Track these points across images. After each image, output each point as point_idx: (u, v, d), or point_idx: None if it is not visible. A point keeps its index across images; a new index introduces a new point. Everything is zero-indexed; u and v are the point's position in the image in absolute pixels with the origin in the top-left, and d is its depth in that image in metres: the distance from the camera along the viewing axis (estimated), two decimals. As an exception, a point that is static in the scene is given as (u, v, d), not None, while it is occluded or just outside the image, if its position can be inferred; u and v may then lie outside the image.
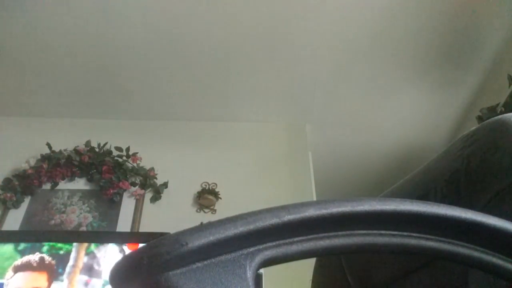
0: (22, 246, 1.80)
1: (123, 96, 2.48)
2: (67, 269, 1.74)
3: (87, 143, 2.36)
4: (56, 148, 2.34)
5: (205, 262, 0.26)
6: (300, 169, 2.43)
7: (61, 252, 1.79)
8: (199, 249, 0.25)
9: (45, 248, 1.80)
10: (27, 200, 2.22)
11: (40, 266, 1.76)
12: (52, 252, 1.79)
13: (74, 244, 1.80)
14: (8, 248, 1.79)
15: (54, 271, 1.75)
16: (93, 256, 1.79)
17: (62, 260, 1.77)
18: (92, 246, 1.81)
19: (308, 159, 2.51)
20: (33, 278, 1.74)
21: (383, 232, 0.32)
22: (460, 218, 0.32)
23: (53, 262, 1.77)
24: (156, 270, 0.25)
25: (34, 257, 1.77)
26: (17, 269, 1.75)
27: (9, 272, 1.75)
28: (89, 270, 1.75)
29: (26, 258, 1.77)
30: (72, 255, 1.78)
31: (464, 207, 0.33)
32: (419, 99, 2.49)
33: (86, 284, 1.72)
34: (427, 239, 0.33)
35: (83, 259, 1.77)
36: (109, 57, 2.23)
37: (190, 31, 2.10)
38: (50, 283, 1.73)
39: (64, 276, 1.73)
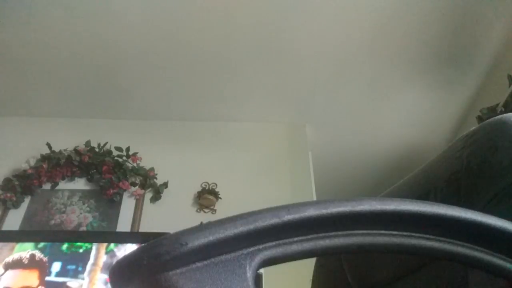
0: (42, 244, 1.81)
1: (123, 96, 2.48)
2: (88, 267, 1.76)
3: (87, 143, 2.36)
4: (56, 148, 2.34)
5: (205, 262, 0.26)
6: (300, 169, 2.43)
7: (81, 250, 1.80)
8: (199, 249, 0.25)
9: (64, 246, 1.81)
10: (27, 200, 2.22)
11: (31, 263, 1.76)
12: (71, 250, 1.81)
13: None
14: (29, 245, 1.80)
15: (45, 268, 1.75)
16: (113, 255, 1.80)
17: (82, 259, 1.78)
18: (112, 245, 1.82)
19: (308, 159, 2.50)
20: (23, 277, 1.74)
21: (383, 232, 0.32)
22: (460, 218, 0.32)
23: (45, 259, 1.77)
24: (156, 269, 0.25)
25: (25, 254, 1.78)
26: (8, 266, 1.76)
27: (0, 269, 1.75)
28: (109, 269, 1.75)
29: (17, 255, 1.78)
30: (93, 253, 1.79)
31: (464, 207, 0.33)
32: (419, 99, 2.49)
33: (106, 283, 1.73)
34: (427, 239, 0.33)
35: (103, 257, 1.79)
36: (109, 57, 2.23)
37: (189, 31, 2.09)
38: (41, 280, 1.73)
39: (85, 275, 1.75)
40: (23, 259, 1.76)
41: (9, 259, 1.76)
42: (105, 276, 1.74)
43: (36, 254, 1.78)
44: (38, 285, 1.72)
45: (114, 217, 2.15)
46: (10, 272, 1.74)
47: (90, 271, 1.75)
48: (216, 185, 2.29)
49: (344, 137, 2.76)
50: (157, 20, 2.04)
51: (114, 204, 2.19)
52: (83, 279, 1.74)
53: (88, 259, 1.77)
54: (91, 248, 1.80)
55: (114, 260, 1.77)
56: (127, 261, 0.26)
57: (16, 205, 2.17)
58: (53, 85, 2.41)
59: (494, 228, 0.32)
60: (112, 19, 2.04)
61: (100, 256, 1.79)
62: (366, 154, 2.88)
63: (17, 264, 1.76)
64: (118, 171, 2.26)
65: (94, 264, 1.76)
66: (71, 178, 2.30)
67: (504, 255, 0.33)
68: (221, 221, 0.26)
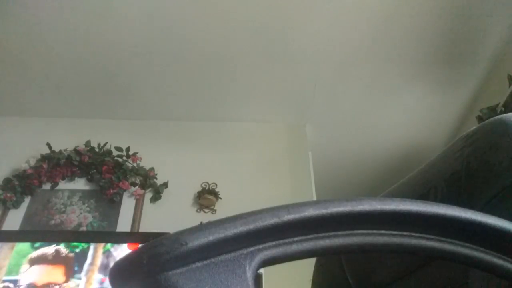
0: (39, 243, 1.81)
1: (123, 96, 2.48)
2: (85, 267, 1.76)
3: (87, 143, 2.36)
4: (56, 148, 2.34)
5: (205, 262, 0.26)
6: (300, 169, 2.43)
7: (77, 250, 1.80)
8: (199, 249, 0.25)
9: (61, 246, 1.81)
10: (27, 200, 2.22)
11: (56, 259, 1.75)
12: (68, 250, 1.81)
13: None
14: (25, 245, 1.80)
15: (71, 265, 1.75)
16: (109, 255, 1.80)
17: (79, 258, 1.78)
18: (109, 245, 1.82)
19: (308, 159, 2.50)
20: (48, 272, 1.74)
21: (383, 232, 0.32)
22: (460, 218, 0.32)
23: (71, 255, 1.77)
24: (156, 269, 0.25)
25: (50, 250, 1.77)
26: (33, 262, 1.75)
27: (25, 265, 1.75)
28: (105, 269, 1.76)
29: (41, 251, 1.77)
30: (90, 253, 1.79)
31: (464, 207, 0.33)
32: (419, 99, 2.49)
33: (101, 282, 1.73)
34: (427, 239, 0.33)
35: (100, 257, 1.78)
36: (109, 57, 2.23)
37: (189, 31, 2.10)
38: (67, 276, 1.73)
39: (82, 274, 1.74)
40: (47, 254, 1.76)
41: (33, 254, 1.77)
42: (100, 276, 1.74)
43: (61, 249, 1.78)
44: (64, 282, 1.71)
45: (114, 217, 2.15)
46: (35, 267, 1.74)
47: (88, 271, 1.75)
48: (216, 185, 2.29)
49: (344, 137, 2.76)
50: (157, 20, 2.04)
51: (114, 204, 2.19)
52: (80, 278, 1.74)
53: (85, 259, 1.77)
54: (88, 248, 1.80)
55: (110, 260, 1.77)
56: (127, 261, 0.26)
57: (16, 205, 2.17)
58: (53, 85, 2.41)
59: (494, 228, 0.32)
60: (112, 19, 2.04)
61: (97, 256, 1.79)
62: (366, 154, 2.88)
63: (41, 260, 1.75)
64: (118, 171, 2.26)
65: (92, 264, 1.76)
66: (71, 178, 2.30)
67: (504, 255, 0.33)
68: (221, 221, 0.26)
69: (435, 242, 0.33)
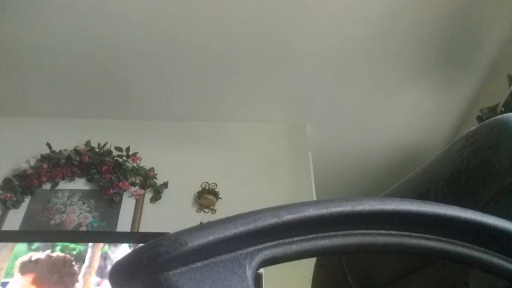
0: (35, 245, 1.80)
1: (123, 96, 2.47)
2: (83, 270, 1.75)
3: (87, 143, 2.36)
4: (56, 148, 2.34)
5: (205, 262, 0.26)
6: (300, 169, 2.43)
7: (74, 252, 1.79)
8: (199, 249, 0.25)
9: (58, 248, 1.80)
10: (27, 200, 2.22)
11: (49, 267, 1.74)
12: (65, 252, 1.79)
13: (90, 244, 1.80)
14: (22, 247, 1.79)
15: (74, 270, 1.73)
16: (106, 257, 1.79)
17: (77, 261, 1.77)
18: (106, 247, 1.81)
19: (308, 159, 2.50)
20: (38, 280, 1.72)
21: (383, 232, 0.32)
22: (460, 218, 0.32)
23: (69, 257, 1.75)
24: (156, 269, 0.25)
25: (42, 256, 1.76)
26: (23, 269, 1.73)
27: (16, 272, 1.72)
28: (101, 272, 1.75)
29: (34, 257, 1.75)
30: (88, 256, 1.77)
31: (464, 207, 0.33)
32: (419, 99, 2.49)
33: (98, 285, 1.73)
34: (427, 239, 0.33)
35: (98, 260, 1.77)
36: (109, 57, 2.23)
37: (189, 31, 2.09)
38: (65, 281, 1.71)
39: (80, 277, 1.73)
40: (38, 262, 1.74)
41: (25, 261, 1.74)
42: (97, 279, 1.74)
43: (52, 254, 1.76)
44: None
45: (114, 217, 2.15)
46: (22, 277, 1.72)
47: (85, 274, 1.73)
48: (216, 185, 2.29)
49: (344, 137, 2.76)
50: (157, 20, 2.04)
51: (114, 204, 2.19)
52: (78, 281, 1.73)
53: (83, 261, 1.76)
54: (85, 251, 1.79)
55: (108, 263, 1.76)
56: (127, 261, 0.26)
57: (16, 205, 2.17)
58: (53, 85, 2.41)
59: (494, 228, 0.32)
60: (112, 19, 2.04)
61: (95, 258, 1.78)
62: (366, 154, 2.88)
63: (32, 268, 1.73)
64: (118, 171, 2.26)
65: (89, 266, 1.75)
66: (71, 178, 2.30)
67: (504, 255, 0.33)
68: (221, 221, 0.26)
69: (435, 242, 0.33)
